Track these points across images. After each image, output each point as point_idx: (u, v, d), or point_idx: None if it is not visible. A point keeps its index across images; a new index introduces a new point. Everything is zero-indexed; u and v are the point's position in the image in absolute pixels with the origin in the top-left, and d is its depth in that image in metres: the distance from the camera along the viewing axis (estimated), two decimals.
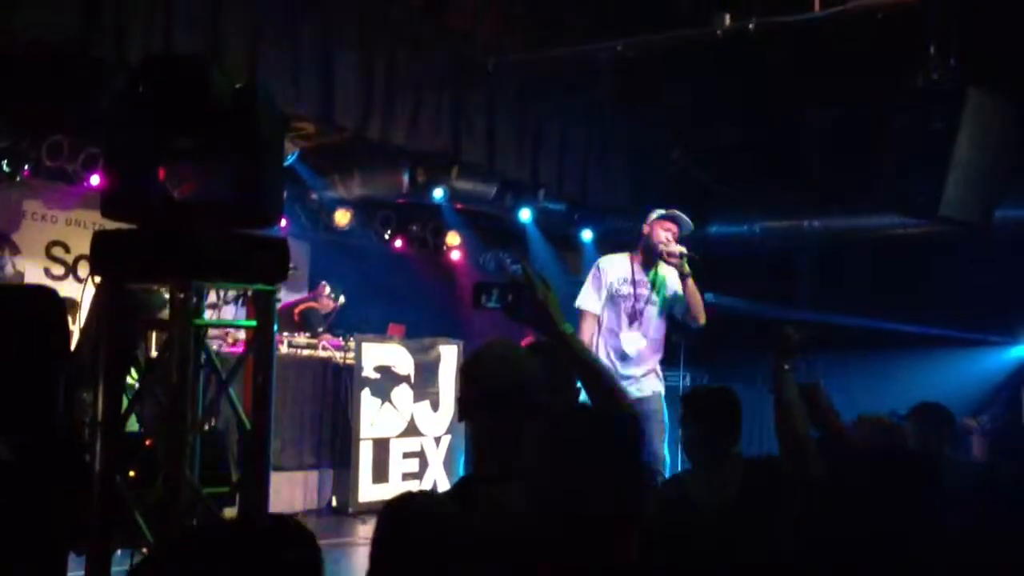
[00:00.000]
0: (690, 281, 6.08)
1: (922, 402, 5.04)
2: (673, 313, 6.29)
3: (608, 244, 11.57)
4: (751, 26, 6.94)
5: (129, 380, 4.09)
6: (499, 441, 2.59)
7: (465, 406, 2.67)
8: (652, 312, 6.21)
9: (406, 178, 9.24)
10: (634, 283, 6.19)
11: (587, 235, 11.10)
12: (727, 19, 7.00)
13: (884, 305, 9.25)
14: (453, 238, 11.44)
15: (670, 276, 6.21)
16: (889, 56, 7.16)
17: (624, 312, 6.18)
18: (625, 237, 10.73)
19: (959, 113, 6.67)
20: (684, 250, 6.05)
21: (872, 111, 7.70)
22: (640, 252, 6.25)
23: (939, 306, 9.18)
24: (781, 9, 6.87)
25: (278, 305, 4.50)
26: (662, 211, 6.18)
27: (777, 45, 7.44)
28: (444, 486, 8.90)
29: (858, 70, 7.94)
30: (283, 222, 9.29)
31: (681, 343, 10.60)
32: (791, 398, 3.58)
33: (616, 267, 6.26)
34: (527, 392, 2.61)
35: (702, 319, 6.18)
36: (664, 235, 6.10)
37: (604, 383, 2.72)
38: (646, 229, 6.20)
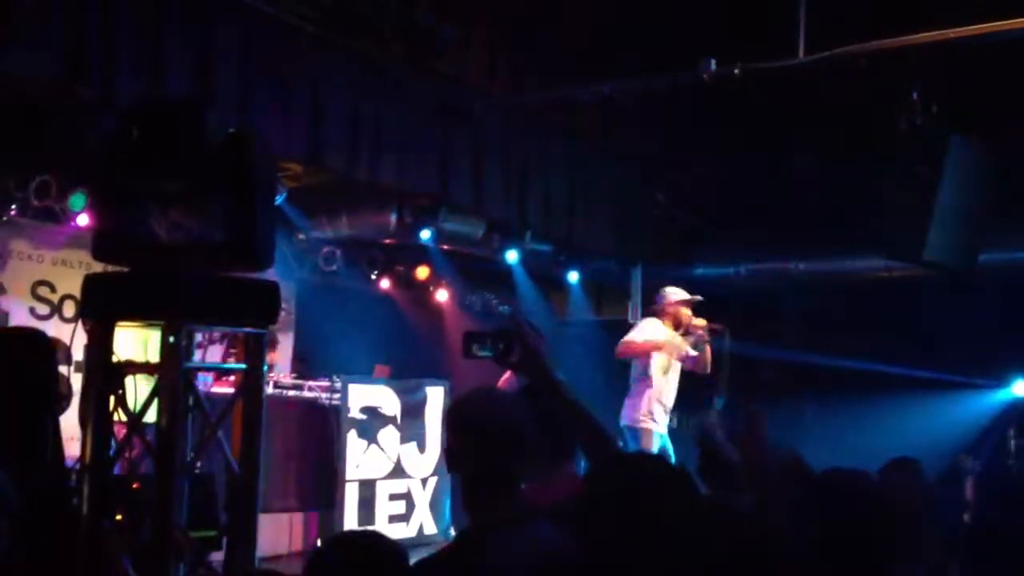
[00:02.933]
0: (708, 347, 7.64)
1: (890, 460, 5.04)
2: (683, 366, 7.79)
3: (595, 285, 11.66)
4: (736, 71, 7.00)
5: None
6: (490, 491, 2.57)
7: (453, 457, 2.65)
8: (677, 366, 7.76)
9: (393, 219, 9.26)
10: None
11: (573, 276, 11.15)
12: (713, 64, 7.07)
13: (869, 347, 9.28)
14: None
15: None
16: (873, 102, 7.25)
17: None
18: (612, 279, 10.86)
19: (942, 158, 6.74)
20: (706, 322, 7.64)
21: (856, 155, 7.78)
22: (667, 321, 7.71)
23: (925, 349, 9.22)
24: (766, 54, 6.94)
25: None
26: (682, 294, 7.73)
27: (762, 90, 7.51)
28: (430, 528, 8.86)
29: (842, 115, 8.02)
30: None
31: None
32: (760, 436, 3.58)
33: (658, 328, 7.73)
34: (514, 439, 2.60)
35: (706, 368, 7.70)
36: (687, 313, 7.65)
37: (595, 430, 2.71)
38: (670, 308, 7.70)
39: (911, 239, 6.89)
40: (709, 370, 7.69)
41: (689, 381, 7.87)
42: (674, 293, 7.81)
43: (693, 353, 7.72)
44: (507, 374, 10.40)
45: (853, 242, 8.73)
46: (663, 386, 7.69)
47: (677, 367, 7.76)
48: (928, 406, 9.37)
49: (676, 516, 2.08)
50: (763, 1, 7.22)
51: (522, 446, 2.61)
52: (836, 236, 9.12)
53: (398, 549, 2.45)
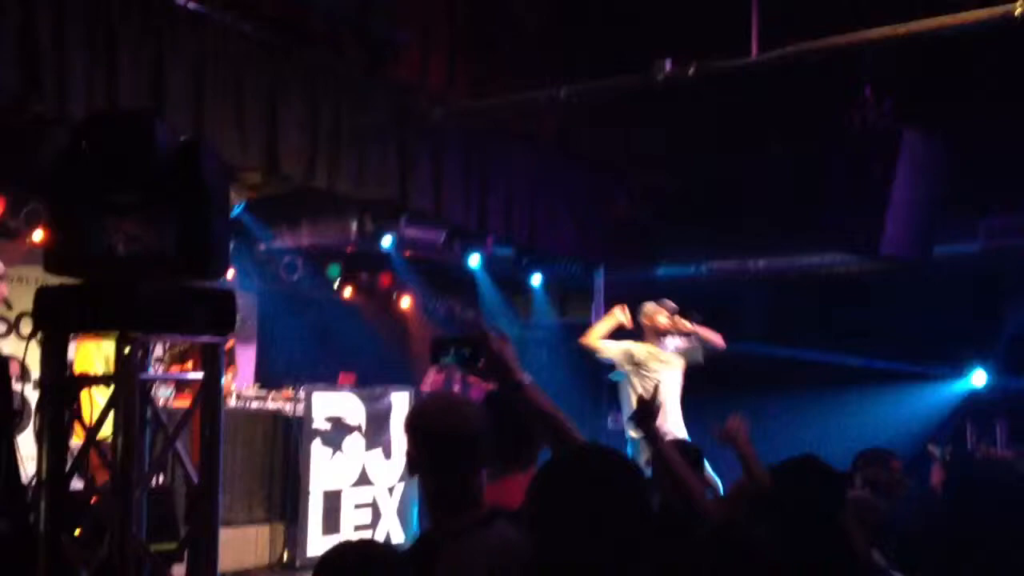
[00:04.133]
0: (697, 327, 7.73)
1: (861, 451, 5.11)
2: (696, 361, 7.88)
3: (558, 288, 11.69)
4: (691, 71, 7.05)
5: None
6: (450, 494, 2.60)
7: (412, 462, 2.67)
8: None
9: (354, 227, 9.23)
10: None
11: (536, 280, 11.18)
12: (667, 64, 7.11)
13: (829, 341, 9.37)
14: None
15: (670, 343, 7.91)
16: (826, 98, 7.32)
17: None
18: (575, 281, 10.90)
19: (895, 153, 6.82)
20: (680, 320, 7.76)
21: (811, 152, 7.85)
22: (649, 336, 7.80)
23: (884, 341, 9.32)
24: (720, 54, 6.98)
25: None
26: (653, 305, 7.86)
27: (717, 89, 7.56)
28: (397, 536, 8.83)
29: (796, 112, 8.09)
30: (230, 274, 9.24)
31: None
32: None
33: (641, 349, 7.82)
34: (472, 444, 2.62)
35: (720, 342, 7.78)
36: (663, 319, 7.75)
37: (563, 431, 2.72)
38: (647, 322, 7.82)
39: (867, 233, 6.96)
40: (723, 343, 7.90)
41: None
42: (647, 306, 8.06)
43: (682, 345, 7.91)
44: (430, 376, 10.49)
45: (811, 238, 8.82)
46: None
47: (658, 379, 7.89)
48: (889, 397, 9.47)
49: (623, 512, 2.09)
50: (716, 1, 7.27)
51: (478, 452, 2.63)
52: (794, 232, 9.21)
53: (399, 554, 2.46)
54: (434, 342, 2.76)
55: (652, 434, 3.37)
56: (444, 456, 2.61)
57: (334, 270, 10.90)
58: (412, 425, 2.70)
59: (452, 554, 2.50)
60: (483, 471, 2.66)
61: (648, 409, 3.49)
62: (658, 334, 7.90)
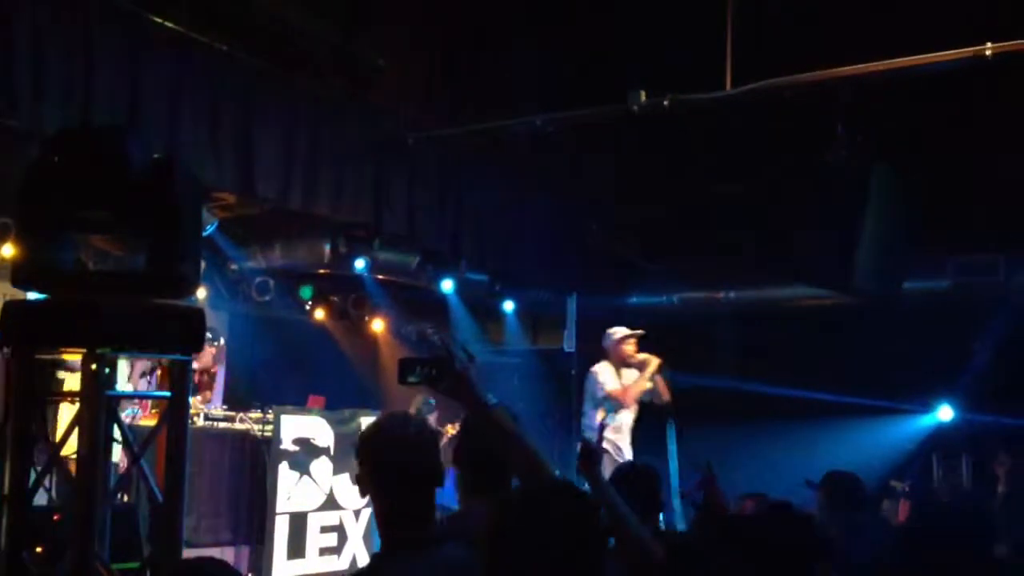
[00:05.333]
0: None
1: (830, 471, 5.13)
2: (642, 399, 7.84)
3: (531, 315, 11.72)
4: (666, 103, 7.10)
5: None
6: (398, 514, 2.61)
7: (362, 484, 2.69)
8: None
9: (327, 249, 9.22)
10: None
11: (508, 306, 11.20)
12: (643, 96, 7.16)
13: (801, 374, 9.42)
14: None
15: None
16: (799, 133, 7.40)
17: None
18: (547, 307, 10.92)
19: (866, 188, 6.90)
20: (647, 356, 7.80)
21: (783, 186, 7.93)
22: (614, 360, 7.85)
23: (852, 376, 9.38)
24: (694, 86, 7.05)
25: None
26: (623, 331, 7.87)
27: (691, 121, 7.62)
28: (364, 560, 8.78)
29: (769, 146, 8.17)
30: (202, 293, 9.19)
31: None
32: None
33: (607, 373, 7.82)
34: (417, 464, 2.62)
35: (667, 397, 7.76)
36: (630, 349, 7.78)
37: (526, 453, 2.72)
38: (614, 348, 7.82)
39: (838, 267, 7.03)
40: (668, 397, 7.77)
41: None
42: (616, 332, 7.94)
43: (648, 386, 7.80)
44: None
45: (782, 271, 8.89)
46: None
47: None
48: (857, 431, 9.52)
49: (575, 549, 2.12)
50: (693, 35, 7.34)
51: (425, 473, 2.64)
52: (766, 265, 9.28)
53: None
54: (400, 362, 2.77)
55: (595, 477, 3.31)
56: (389, 476, 2.62)
57: (306, 292, 10.90)
58: (359, 449, 2.72)
59: (397, 573, 2.51)
60: (433, 491, 2.67)
61: (591, 453, 3.46)
62: (622, 363, 7.83)
